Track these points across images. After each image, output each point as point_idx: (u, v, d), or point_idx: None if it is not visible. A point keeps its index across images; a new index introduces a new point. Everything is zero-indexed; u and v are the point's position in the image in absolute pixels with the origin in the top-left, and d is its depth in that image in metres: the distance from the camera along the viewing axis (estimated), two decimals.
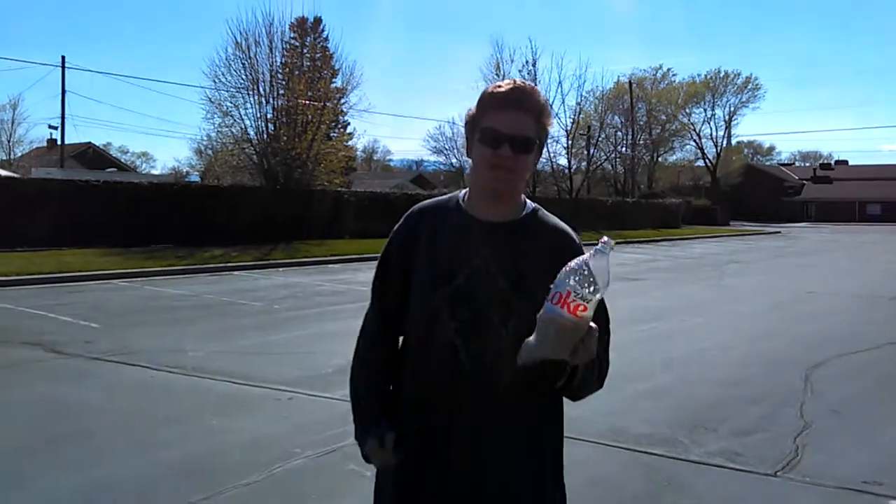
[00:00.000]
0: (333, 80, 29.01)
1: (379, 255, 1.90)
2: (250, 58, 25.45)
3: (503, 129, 1.68)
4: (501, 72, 36.96)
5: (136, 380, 6.52)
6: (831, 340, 8.70)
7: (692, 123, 64.60)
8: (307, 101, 25.86)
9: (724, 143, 69.48)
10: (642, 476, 4.39)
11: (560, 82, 49.33)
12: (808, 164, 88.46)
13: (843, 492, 4.14)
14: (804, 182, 76.38)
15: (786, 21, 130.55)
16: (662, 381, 6.68)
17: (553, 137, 39.27)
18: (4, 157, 48.95)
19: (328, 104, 27.04)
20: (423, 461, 1.72)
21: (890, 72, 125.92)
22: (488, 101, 1.73)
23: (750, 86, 66.78)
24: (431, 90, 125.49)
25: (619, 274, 16.10)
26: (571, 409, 5.68)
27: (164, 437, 4.99)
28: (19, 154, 50.17)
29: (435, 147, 46.41)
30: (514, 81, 1.75)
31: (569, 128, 39.36)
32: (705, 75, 65.72)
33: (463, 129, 1.83)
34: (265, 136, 25.81)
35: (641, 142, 51.54)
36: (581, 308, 1.47)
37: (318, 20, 36.14)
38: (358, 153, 45.49)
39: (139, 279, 14.16)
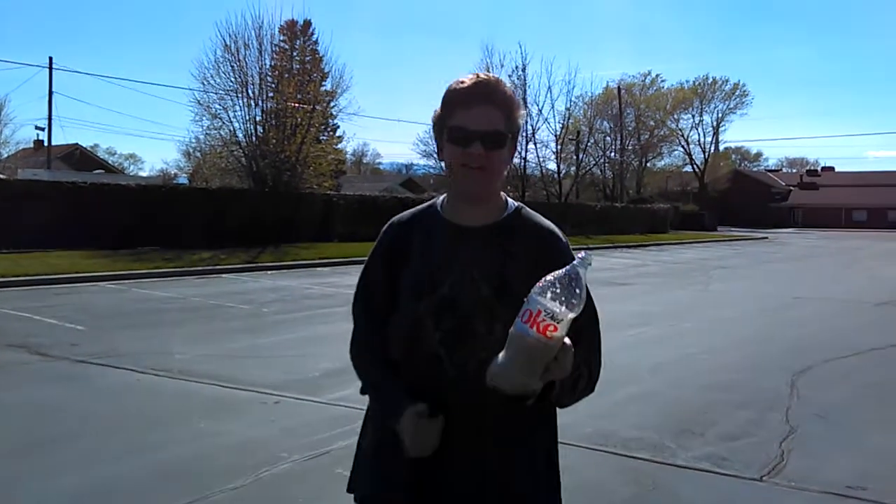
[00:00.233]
0: (323, 83, 28.99)
1: (361, 273, 1.84)
2: (239, 60, 25.43)
3: (472, 125, 1.62)
4: None
5: (123, 383, 6.48)
6: (817, 345, 8.76)
7: (680, 129, 64.95)
8: (296, 104, 25.83)
9: (712, 149, 69.88)
10: (629, 480, 4.40)
11: (549, 87, 49.41)
12: (794, 171, 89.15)
13: (827, 496, 4.16)
14: (791, 188, 76.96)
15: (773, 28, 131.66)
16: (650, 386, 6.71)
17: (542, 142, 39.50)
18: None
19: (317, 107, 27.01)
20: (420, 466, 1.66)
21: (876, 80, 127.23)
22: (453, 99, 1.67)
23: (738, 92, 67.24)
24: (421, 94, 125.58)
25: (607, 279, 16.23)
26: (558, 414, 5.65)
27: (151, 440, 4.96)
28: (5, 155, 49.71)
29: (425, 151, 46.40)
30: (478, 75, 1.69)
31: (558, 132, 39.50)
32: (693, 81, 66.12)
33: (433, 128, 1.77)
34: (254, 138, 25.75)
35: (630, 147, 51.76)
36: (551, 328, 1.39)
37: (307, 23, 36.10)
38: (347, 156, 45.46)
39: (126, 281, 14.08)
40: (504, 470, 1.68)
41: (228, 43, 25.33)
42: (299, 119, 25.96)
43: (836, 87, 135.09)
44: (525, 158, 37.67)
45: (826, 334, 9.78)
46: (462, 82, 1.67)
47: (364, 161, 77.99)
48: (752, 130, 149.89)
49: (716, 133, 69.04)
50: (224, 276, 15.86)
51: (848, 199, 71.39)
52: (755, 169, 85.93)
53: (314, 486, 4.24)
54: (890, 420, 5.85)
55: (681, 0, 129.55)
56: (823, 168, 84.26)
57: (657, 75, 60.72)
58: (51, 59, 36.15)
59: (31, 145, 48.46)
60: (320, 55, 31.10)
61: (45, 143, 39.42)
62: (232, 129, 26.03)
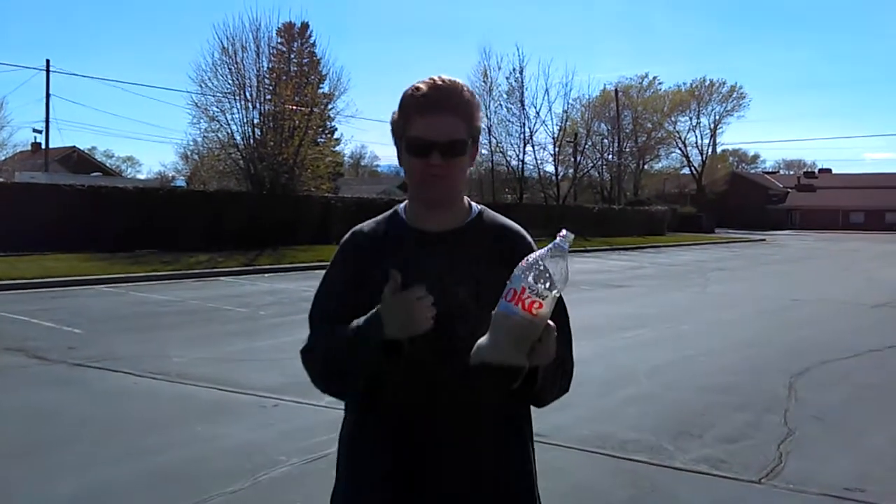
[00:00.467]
0: (321, 85, 29.00)
1: (319, 288, 1.75)
2: (237, 63, 25.42)
3: (430, 136, 1.58)
4: (489, 79, 37.19)
5: (120, 386, 6.47)
6: (815, 348, 8.77)
7: (678, 131, 65.03)
8: (294, 107, 25.82)
9: (710, 151, 69.98)
10: (627, 483, 4.40)
11: (547, 89, 49.51)
12: (792, 173, 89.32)
13: (826, 498, 4.17)
14: (788, 190, 77.10)
15: (770, 31, 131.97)
16: (647, 388, 6.71)
17: (540, 144, 39.57)
18: None
19: (315, 109, 27.00)
20: (411, 470, 1.63)
21: (873, 82, 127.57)
22: (410, 106, 1.61)
23: (735, 95, 67.35)
24: None
25: (604, 281, 16.25)
26: (556, 416, 5.65)
27: (149, 444, 4.95)
28: (3, 158, 49.49)
29: None
30: (435, 80, 1.62)
31: (555, 135, 39.56)
32: (691, 84, 66.18)
33: (392, 133, 1.69)
34: (252, 141, 25.74)
35: (627, 149, 51.80)
36: (537, 305, 1.38)
37: (305, 25, 36.10)
38: (345, 159, 45.51)
39: (124, 284, 14.06)
40: (498, 469, 1.67)
41: (226, 45, 25.36)
42: (297, 121, 25.95)
43: (833, 89, 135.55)
44: (523, 161, 37.75)
45: (824, 336, 9.79)
46: (419, 88, 1.61)
47: (362, 163, 78.05)
48: (749, 132, 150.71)
49: (713, 135, 69.20)
50: (222, 278, 15.85)
51: (845, 201, 71.54)
52: (752, 171, 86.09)
53: (312, 489, 4.23)
54: (888, 422, 5.86)
55: (678, 2, 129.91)
56: (821, 170, 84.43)
57: (654, 77, 60.83)
58: (48, 61, 36.12)
59: (29, 148, 48.38)
60: (318, 57, 31.16)
61: (43, 146, 39.36)
62: (230, 131, 26.06)
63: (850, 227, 67.39)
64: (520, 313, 1.38)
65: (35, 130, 40.36)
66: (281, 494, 4.14)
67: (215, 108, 25.94)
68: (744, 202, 70.25)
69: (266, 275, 16.64)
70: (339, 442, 1.79)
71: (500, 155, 37.93)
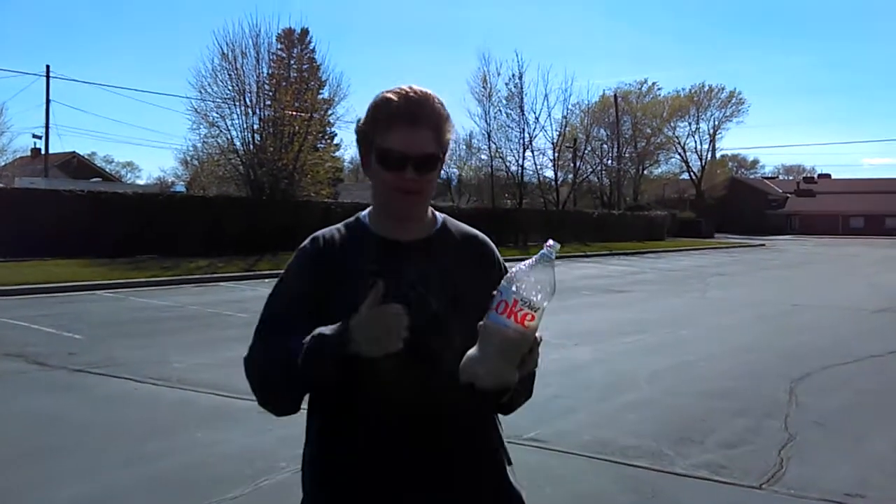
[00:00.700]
0: (320, 91, 29.01)
1: (270, 299, 1.64)
2: (237, 69, 25.48)
3: (404, 149, 1.53)
4: (488, 84, 37.21)
5: (121, 392, 6.47)
6: (815, 353, 8.77)
7: (677, 137, 65.16)
8: (294, 112, 25.85)
9: (709, 156, 70.07)
10: (627, 489, 4.40)
11: (546, 95, 49.41)
12: (791, 178, 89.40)
13: None
14: (788, 195, 77.14)
15: (769, 37, 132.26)
16: (648, 394, 6.71)
17: (539, 150, 39.57)
18: None
19: (315, 115, 27.04)
20: (385, 486, 1.55)
21: (871, 87, 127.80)
22: (382, 116, 1.55)
23: (734, 100, 67.50)
24: None
25: (604, 286, 16.25)
26: (557, 421, 5.66)
27: (149, 450, 4.95)
28: (2, 164, 49.55)
29: None
30: (407, 91, 1.56)
31: (555, 140, 39.60)
32: (690, 89, 66.34)
33: (357, 141, 1.63)
34: (251, 146, 25.77)
35: (627, 155, 51.84)
36: (529, 317, 1.36)
37: (305, 31, 36.16)
38: (345, 164, 45.50)
39: (124, 290, 14.06)
40: (477, 480, 1.63)
41: (226, 51, 25.42)
42: (297, 127, 25.99)
43: (832, 95, 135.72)
44: (522, 166, 37.77)
45: (824, 341, 9.79)
46: (391, 98, 1.55)
47: (362, 168, 78.07)
48: (748, 138, 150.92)
49: (712, 140, 69.31)
50: (221, 284, 15.85)
51: (845, 206, 71.58)
52: (752, 176, 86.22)
53: None
54: (889, 427, 5.85)
55: (676, 8, 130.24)
56: (820, 175, 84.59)
57: (653, 83, 60.94)
58: (48, 67, 36.20)
59: (29, 153, 48.40)
60: (318, 63, 31.21)
61: (43, 152, 39.42)
62: (229, 137, 26.11)
63: (849, 232, 67.41)
64: (512, 326, 1.37)
65: (35, 136, 40.38)
66: (282, 500, 4.13)
67: (215, 114, 26.03)
68: (743, 207, 70.28)
69: (266, 280, 16.62)
70: (307, 464, 1.66)
71: (500, 160, 37.99)
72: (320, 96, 28.58)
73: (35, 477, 4.44)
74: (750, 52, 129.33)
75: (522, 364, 1.42)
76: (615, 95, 50.81)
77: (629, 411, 6.06)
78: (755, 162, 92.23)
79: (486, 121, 37.34)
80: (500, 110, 37.68)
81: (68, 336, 9.00)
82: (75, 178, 39.98)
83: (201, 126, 26.71)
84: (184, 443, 5.10)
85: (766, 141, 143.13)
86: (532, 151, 38.39)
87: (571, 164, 42.76)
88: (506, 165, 38.07)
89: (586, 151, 44.33)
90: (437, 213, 1.72)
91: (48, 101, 35.99)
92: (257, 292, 14.27)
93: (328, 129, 32.62)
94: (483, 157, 39.45)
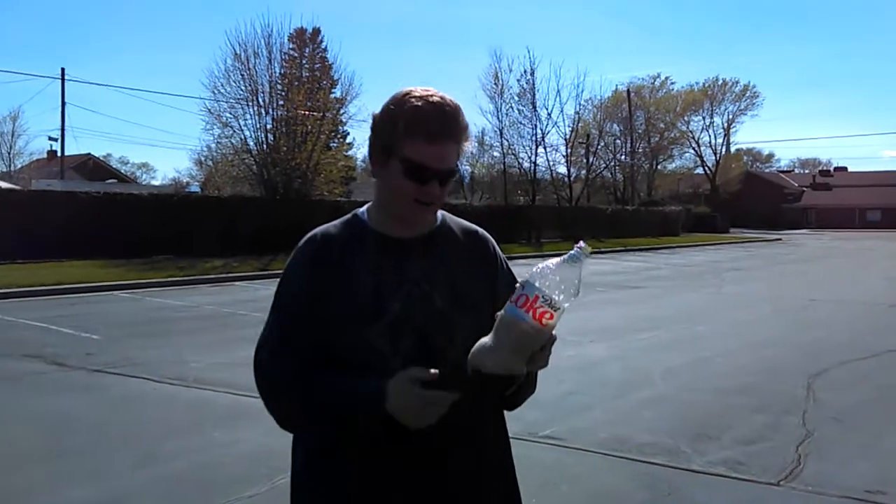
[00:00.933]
0: (332, 90, 29.06)
1: (274, 300, 1.64)
2: (249, 69, 25.57)
3: (433, 164, 1.50)
4: (500, 81, 37.12)
5: (138, 392, 6.52)
6: (833, 348, 8.69)
7: (691, 131, 64.74)
8: (306, 112, 25.92)
9: (723, 150, 69.59)
10: (644, 486, 4.38)
11: (559, 91, 49.63)
12: (807, 171, 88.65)
13: (846, 501, 4.13)
14: (804, 189, 76.53)
15: (783, 29, 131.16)
16: (664, 390, 6.67)
17: (553, 146, 39.43)
18: (5, 169, 49.01)
19: (327, 114, 27.10)
20: (388, 491, 1.54)
21: (889, 78, 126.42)
22: (413, 127, 1.50)
23: (748, 93, 66.97)
24: None
25: (618, 282, 16.18)
26: (573, 419, 5.64)
27: (167, 449, 4.98)
28: (19, 166, 50.24)
29: None
30: (441, 103, 1.52)
31: (568, 136, 39.47)
32: (703, 83, 65.92)
33: (371, 139, 1.59)
34: (265, 146, 25.87)
35: (640, 150, 51.61)
36: (548, 316, 1.35)
37: (316, 31, 36.18)
38: (357, 163, 45.52)
39: (140, 290, 14.16)
40: (476, 488, 1.62)
41: (238, 52, 25.52)
42: (309, 126, 26.06)
43: (848, 87, 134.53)
44: (535, 162, 37.67)
45: (842, 336, 9.70)
46: (424, 110, 1.50)
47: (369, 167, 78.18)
48: (763, 131, 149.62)
49: (727, 134, 68.83)
50: (237, 283, 15.94)
51: (862, 199, 70.91)
52: (767, 170, 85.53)
53: None
54: None
55: (688, 2, 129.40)
56: (836, 168, 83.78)
57: (667, 77, 60.56)
58: (63, 70, 36.56)
59: (45, 156, 48.92)
60: (329, 63, 31.22)
61: (59, 154, 39.79)
62: (243, 137, 26.22)
63: (866, 225, 66.80)
64: (529, 321, 1.36)
65: (51, 138, 40.75)
66: None
67: (228, 115, 26.15)
68: (759, 201, 69.78)
69: None
70: (307, 468, 1.63)
71: (512, 157, 37.89)
72: (332, 95, 28.64)
73: (53, 477, 4.49)
74: (761, 45, 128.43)
75: (532, 360, 1.41)
76: (628, 90, 50.60)
77: (645, 408, 6.04)
78: (770, 156, 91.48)
79: (498, 118, 37.30)
80: (512, 107, 37.61)
81: (86, 336, 9.08)
82: (91, 179, 40.34)
83: (215, 126, 26.89)
84: (200, 442, 5.13)
85: (782, 134, 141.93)
86: (545, 148, 38.29)
87: (584, 160, 42.60)
88: (518, 162, 38.00)
89: (599, 147, 44.16)
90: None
91: (63, 103, 36.34)
92: (272, 291, 14.26)
93: (340, 127, 32.70)
94: (495, 153, 39.41)
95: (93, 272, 15.71)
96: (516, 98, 37.57)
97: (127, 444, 5.11)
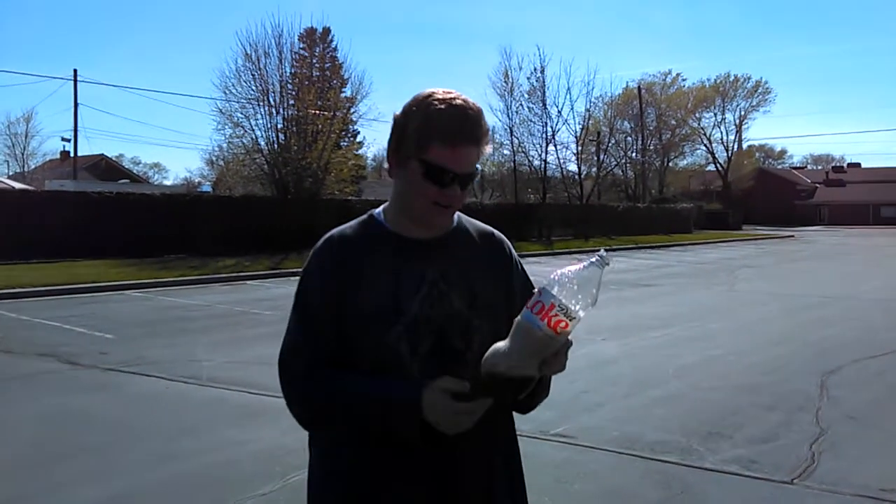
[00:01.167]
0: (343, 89, 29.11)
1: (294, 300, 1.64)
2: (260, 69, 25.63)
3: (454, 167, 1.51)
4: (510, 79, 37.02)
5: (152, 391, 6.56)
6: (847, 346, 8.64)
7: (702, 128, 64.36)
8: (317, 111, 25.97)
9: (735, 147, 69.17)
10: (657, 484, 4.37)
11: (569, 88, 49.37)
12: (820, 168, 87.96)
13: (860, 499, 4.10)
14: (817, 185, 75.97)
15: (796, 25, 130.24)
16: (676, 388, 6.65)
17: (563, 143, 39.33)
18: (18, 170, 49.49)
19: (338, 114, 27.14)
20: (399, 489, 1.55)
21: None
22: (435, 129, 1.50)
23: (760, 89, 66.52)
24: None
25: (631, 280, 16.13)
26: (585, 417, 5.62)
27: (180, 448, 5.01)
28: (33, 166, 50.69)
29: None
30: (465, 106, 1.52)
31: (578, 134, 39.33)
32: (715, 80, 65.54)
33: (392, 139, 1.59)
34: (276, 146, 25.95)
35: (651, 147, 51.39)
36: (563, 325, 1.35)
37: (326, 30, 36.30)
38: (368, 162, 45.66)
39: (153, 290, 14.24)
40: (511, 482, 1.65)
41: (249, 52, 25.57)
42: (320, 126, 26.11)
43: (862, 82, 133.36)
44: (545, 160, 37.57)
45: (855, 334, 9.63)
46: (444, 111, 1.50)
47: (384, 166, 78.28)
48: (775, 128, 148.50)
49: (739, 131, 68.40)
50: (248, 282, 16.00)
51: (876, 195, 70.26)
52: (780, 167, 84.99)
53: None
54: None
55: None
56: (850, 164, 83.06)
57: (678, 74, 60.44)
58: (75, 71, 36.85)
59: (58, 156, 49.29)
60: (340, 62, 31.34)
61: (72, 154, 40.09)
62: (254, 137, 26.30)
63: (880, 221, 66.20)
64: (544, 329, 1.36)
65: (64, 139, 41.23)
66: None
67: (239, 114, 26.22)
68: (771, 198, 69.36)
69: (292, 278, 16.73)
70: (321, 464, 1.66)
71: (523, 155, 37.78)
72: (343, 94, 28.69)
73: (67, 476, 4.52)
74: (774, 41, 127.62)
75: (546, 364, 1.41)
76: (639, 87, 50.39)
77: (657, 406, 6.02)
78: (783, 152, 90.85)
79: (508, 115, 37.16)
80: (522, 105, 37.50)
81: (99, 336, 9.14)
82: (103, 179, 40.61)
83: (226, 126, 26.96)
84: (214, 441, 5.16)
85: (794, 130, 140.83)
86: (555, 145, 38.15)
87: (595, 158, 42.44)
88: (529, 160, 37.89)
89: (610, 144, 44.02)
90: None
91: (76, 104, 36.61)
92: (284, 290, 14.37)
93: (351, 126, 32.75)
94: (506, 151, 39.22)
95: (106, 272, 15.81)
96: (526, 96, 37.49)
97: (140, 443, 5.14)
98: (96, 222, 19.75)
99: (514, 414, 1.71)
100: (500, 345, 1.42)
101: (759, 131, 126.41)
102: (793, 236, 42.64)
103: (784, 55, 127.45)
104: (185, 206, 22.47)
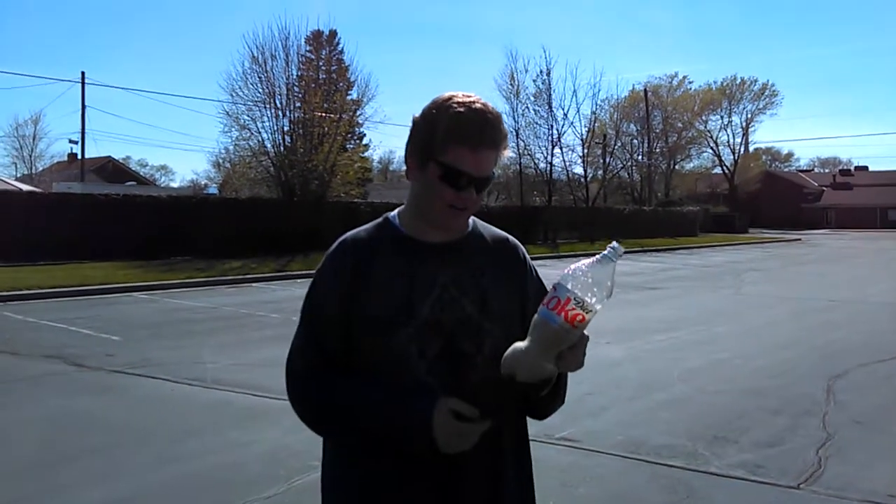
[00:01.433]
0: (349, 92, 29.22)
1: (305, 301, 1.64)
2: (267, 71, 25.70)
3: (473, 171, 1.51)
4: (516, 82, 37.03)
5: (157, 393, 6.57)
6: (854, 350, 8.59)
7: (709, 131, 64.34)
8: (323, 114, 26.04)
9: (742, 150, 69.13)
10: (662, 489, 4.35)
11: (575, 91, 49.55)
12: (827, 171, 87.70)
13: None
14: (824, 188, 75.73)
15: (803, 27, 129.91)
16: (682, 392, 6.63)
17: (569, 146, 39.28)
18: (26, 172, 49.65)
19: (344, 116, 27.22)
20: (409, 492, 1.55)
21: None
22: (454, 133, 1.50)
23: (767, 92, 66.51)
24: None
25: (637, 283, 16.09)
26: (590, 421, 5.60)
27: (185, 450, 5.02)
28: (40, 168, 50.84)
29: None
30: (484, 110, 1.52)
31: (584, 136, 39.30)
32: (721, 82, 65.53)
33: (410, 141, 1.59)
34: (282, 148, 26.02)
35: (658, 149, 51.33)
36: (579, 318, 1.36)
37: (333, 33, 36.42)
38: (374, 164, 45.72)
39: (159, 292, 14.27)
40: (519, 486, 1.64)
41: (256, 54, 25.66)
42: (326, 128, 26.18)
43: (869, 85, 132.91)
44: (551, 163, 37.56)
45: (863, 338, 9.59)
46: (464, 114, 1.51)
47: (390, 168, 78.34)
48: (782, 130, 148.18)
49: (745, 134, 68.40)
50: (254, 285, 16.02)
51: (883, 198, 69.99)
52: (786, 169, 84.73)
53: None
54: None
55: (706, 1, 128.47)
56: (857, 167, 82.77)
57: (684, 77, 60.34)
58: (83, 73, 36.93)
59: (66, 159, 49.49)
60: (346, 64, 31.43)
61: (79, 157, 40.20)
62: (260, 139, 26.38)
63: (888, 225, 65.95)
64: (560, 322, 1.36)
65: (71, 141, 41.47)
66: (315, 499, 4.15)
67: (246, 117, 26.33)
68: (778, 201, 69.19)
69: (298, 280, 16.76)
70: (333, 466, 1.66)
71: (528, 157, 37.78)
72: (349, 97, 28.78)
73: (73, 476, 4.53)
74: (780, 43, 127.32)
75: (562, 359, 1.42)
76: (645, 90, 50.34)
77: (663, 410, 6.00)
78: (790, 155, 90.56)
79: (513, 118, 37.12)
80: (528, 107, 37.52)
81: (105, 337, 9.16)
82: (111, 182, 40.74)
83: (233, 129, 27.07)
84: (218, 443, 5.16)
85: (801, 133, 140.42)
86: (561, 148, 38.16)
87: (601, 161, 42.41)
88: (534, 163, 37.90)
89: (616, 147, 43.95)
90: None
91: (84, 106, 36.74)
92: (290, 292, 14.39)
93: (357, 129, 32.82)
94: (511, 154, 39.22)
95: (112, 274, 15.85)
96: (532, 98, 37.51)
97: (146, 445, 5.15)
98: (103, 224, 19.81)
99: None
100: (519, 344, 1.42)
101: (765, 134, 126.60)
102: (799, 239, 42.51)
103: (790, 57, 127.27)
104: (191, 209, 22.53)
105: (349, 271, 1.58)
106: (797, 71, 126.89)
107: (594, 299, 1.36)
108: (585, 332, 1.42)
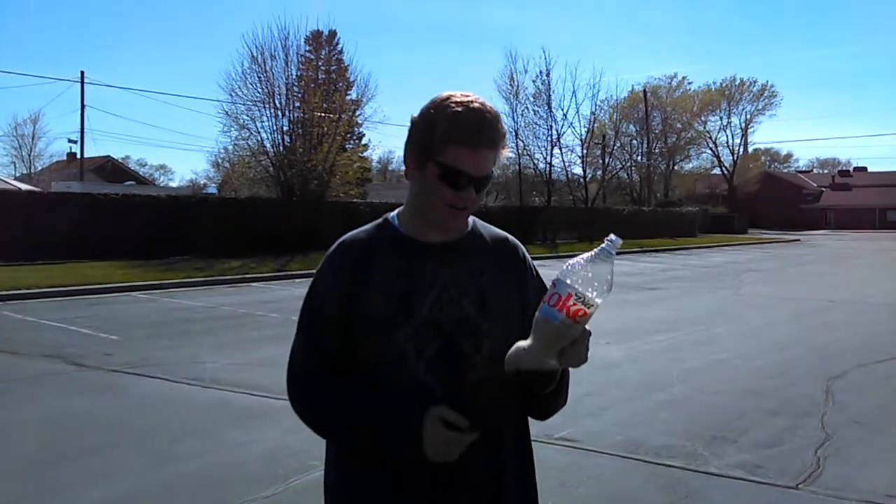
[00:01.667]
0: (348, 92, 29.21)
1: (305, 302, 1.64)
2: (266, 71, 25.69)
3: (472, 171, 1.51)
4: (515, 82, 37.03)
5: (156, 392, 6.57)
6: (852, 350, 8.60)
7: (708, 131, 64.35)
8: (322, 114, 26.03)
9: (741, 150, 69.17)
10: (661, 489, 4.35)
11: (574, 91, 49.26)
12: (826, 171, 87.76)
13: None
14: (823, 189, 75.78)
15: (802, 28, 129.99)
16: (681, 392, 6.63)
17: (568, 146, 39.30)
18: (25, 171, 49.67)
19: (343, 116, 27.21)
20: (410, 491, 1.55)
21: None
22: (453, 132, 1.50)
23: (766, 93, 66.55)
24: None
25: (636, 284, 16.10)
26: (589, 421, 5.60)
27: (183, 449, 5.02)
28: (40, 168, 50.86)
29: None
30: (482, 109, 1.52)
31: (583, 137, 39.31)
32: (720, 83, 65.54)
33: (409, 141, 1.59)
34: (281, 148, 26.02)
35: (657, 150, 51.31)
36: (581, 313, 1.35)
37: (332, 33, 36.40)
38: (373, 164, 45.72)
39: (158, 291, 14.27)
40: (521, 486, 1.64)
41: (255, 54, 25.65)
42: (325, 128, 26.17)
43: (868, 86, 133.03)
44: (550, 163, 37.57)
45: (861, 338, 9.59)
46: (465, 116, 1.50)
47: (390, 168, 78.37)
48: (781, 131, 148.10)
49: (744, 135, 68.44)
50: (253, 284, 16.02)
51: (882, 199, 70.04)
52: (786, 170, 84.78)
53: None
54: None
55: (706, 1, 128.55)
56: (856, 168, 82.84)
57: (683, 77, 60.20)
58: (82, 73, 36.89)
59: (65, 158, 49.51)
60: (345, 64, 31.43)
61: (78, 156, 40.17)
62: (259, 139, 26.37)
63: (886, 226, 66.00)
64: (561, 318, 1.36)
65: (70, 141, 41.54)
66: (314, 499, 4.15)
67: (245, 117, 26.32)
68: (777, 202, 69.22)
69: (297, 280, 16.76)
70: (336, 465, 1.69)
71: (528, 158, 37.79)
72: (348, 97, 28.78)
73: (71, 476, 4.52)
74: (779, 44, 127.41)
75: (564, 355, 1.41)
76: (644, 90, 50.34)
77: (662, 410, 6.00)
78: (789, 155, 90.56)
79: (513, 119, 37.11)
80: (527, 108, 37.52)
81: (104, 337, 9.16)
82: (110, 181, 40.75)
83: (232, 129, 27.07)
84: (217, 442, 5.16)
85: (800, 134, 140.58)
86: (560, 148, 38.16)
87: (600, 161, 42.43)
88: (534, 163, 37.91)
89: (615, 147, 43.95)
90: None
91: (83, 106, 36.69)
92: (289, 292, 14.39)
93: (356, 129, 32.82)
94: (510, 154, 39.22)
95: (111, 273, 15.84)
96: (531, 99, 37.51)
97: (144, 444, 5.15)
98: (102, 224, 19.80)
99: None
100: (522, 343, 1.42)
101: (764, 135, 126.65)
102: (798, 240, 42.53)
103: (790, 58, 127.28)
104: (190, 208, 22.52)
105: (348, 272, 1.58)
106: (796, 72, 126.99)
107: (595, 293, 1.36)
108: (587, 326, 1.42)
